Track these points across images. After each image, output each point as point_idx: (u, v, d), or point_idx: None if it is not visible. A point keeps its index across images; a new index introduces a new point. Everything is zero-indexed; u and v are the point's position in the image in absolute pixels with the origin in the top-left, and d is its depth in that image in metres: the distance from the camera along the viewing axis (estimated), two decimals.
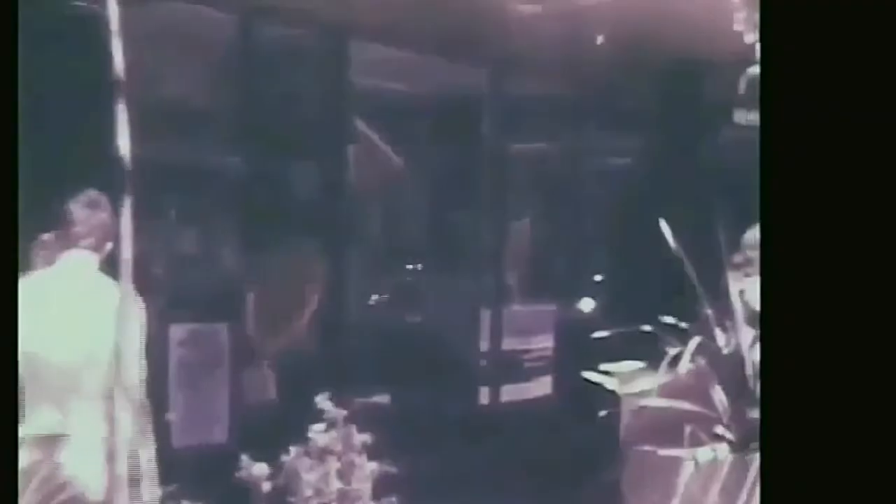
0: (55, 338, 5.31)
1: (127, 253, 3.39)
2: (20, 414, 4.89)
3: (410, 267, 12.33)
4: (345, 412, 5.31)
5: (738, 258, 8.29)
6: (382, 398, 10.94)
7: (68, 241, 5.41)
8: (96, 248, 5.42)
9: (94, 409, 5.30)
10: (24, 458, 4.86)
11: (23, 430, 4.86)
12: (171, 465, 6.88)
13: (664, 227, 5.83)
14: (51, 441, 5.22)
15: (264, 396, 9.81)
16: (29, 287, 5.11)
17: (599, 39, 10.36)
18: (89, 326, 5.27)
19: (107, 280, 5.19)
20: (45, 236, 5.49)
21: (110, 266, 5.03)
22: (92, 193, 5.48)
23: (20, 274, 4.71)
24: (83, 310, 5.35)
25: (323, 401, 5.58)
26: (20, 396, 5.07)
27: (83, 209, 5.44)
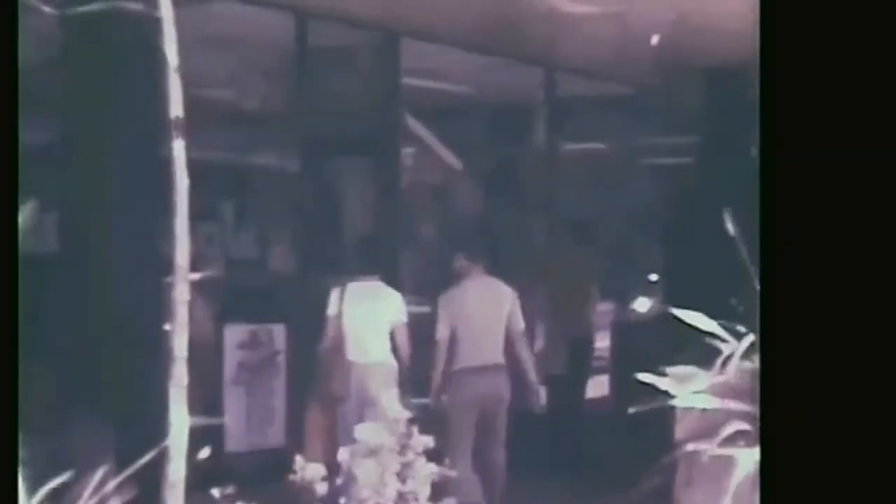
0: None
1: (182, 257, 3.36)
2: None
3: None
4: (409, 413, 5.27)
5: None
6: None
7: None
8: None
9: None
10: None
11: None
12: (226, 468, 6.92)
13: (727, 219, 5.78)
14: None
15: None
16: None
17: (655, 39, 10.33)
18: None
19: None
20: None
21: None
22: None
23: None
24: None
25: (389, 401, 5.54)
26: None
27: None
